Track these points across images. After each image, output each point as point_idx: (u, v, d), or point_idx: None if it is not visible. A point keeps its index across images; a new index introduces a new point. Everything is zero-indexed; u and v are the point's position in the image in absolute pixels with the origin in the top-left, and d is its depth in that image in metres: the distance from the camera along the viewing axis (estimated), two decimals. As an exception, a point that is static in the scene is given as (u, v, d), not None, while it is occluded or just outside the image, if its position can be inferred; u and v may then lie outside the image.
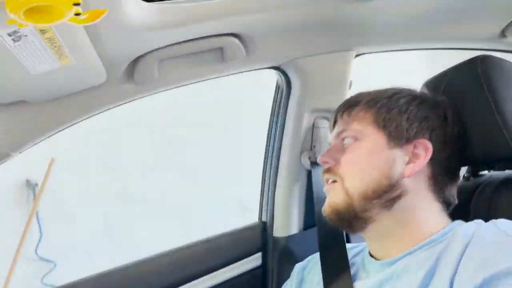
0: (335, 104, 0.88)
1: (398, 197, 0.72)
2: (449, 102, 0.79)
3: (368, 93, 0.80)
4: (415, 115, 0.75)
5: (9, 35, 0.56)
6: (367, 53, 1.17)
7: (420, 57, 3.07)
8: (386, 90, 0.79)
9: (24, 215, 2.79)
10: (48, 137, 0.92)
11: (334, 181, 0.76)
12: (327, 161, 0.76)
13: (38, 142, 0.92)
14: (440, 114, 0.76)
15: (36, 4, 0.48)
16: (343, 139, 0.77)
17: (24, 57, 0.63)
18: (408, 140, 0.73)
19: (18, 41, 0.58)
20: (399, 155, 0.73)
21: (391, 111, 0.75)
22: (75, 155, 2.88)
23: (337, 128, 0.80)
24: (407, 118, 0.74)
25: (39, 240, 2.89)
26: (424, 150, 0.73)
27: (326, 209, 0.77)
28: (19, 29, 0.55)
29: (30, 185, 2.89)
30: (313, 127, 1.13)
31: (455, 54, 1.13)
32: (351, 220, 0.73)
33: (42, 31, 0.58)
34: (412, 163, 0.72)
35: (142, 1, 0.73)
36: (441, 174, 0.75)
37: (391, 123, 0.74)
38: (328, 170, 0.77)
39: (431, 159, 0.73)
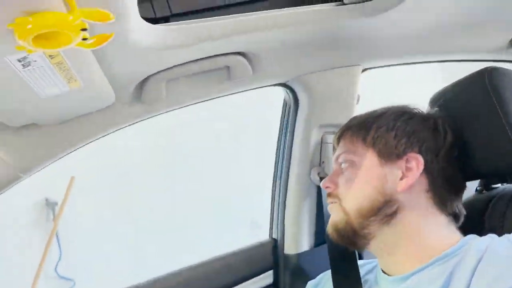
0: (343, 119, 0.89)
1: (395, 212, 0.73)
2: (444, 114, 0.80)
3: (359, 116, 0.83)
4: (403, 130, 0.76)
5: (19, 60, 0.57)
6: (374, 67, 1.17)
7: (433, 67, 3.05)
8: (375, 111, 0.81)
9: (44, 234, 2.82)
10: (59, 158, 0.93)
11: (335, 202, 0.78)
12: (328, 186, 0.80)
13: (49, 164, 0.93)
14: (430, 126, 0.77)
15: (45, 31, 0.50)
16: (340, 163, 0.80)
17: (33, 82, 0.64)
18: (398, 156, 0.74)
19: (27, 66, 0.59)
20: (391, 171, 0.74)
21: (379, 129, 0.77)
22: (89, 172, 2.91)
23: (335, 153, 0.83)
24: (395, 134, 0.76)
25: (59, 259, 2.92)
26: (416, 163, 0.73)
27: (328, 228, 0.80)
28: (28, 54, 0.57)
29: (50, 204, 2.92)
30: (322, 142, 1.12)
31: (469, 64, 1.13)
32: (352, 238, 0.75)
33: (51, 56, 0.59)
34: (405, 177, 0.73)
35: (149, 23, 0.74)
36: (439, 185, 0.74)
37: (380, 141, 0.76)
38: (329, 194, 0.80)
39: (426, 171, 0.73)
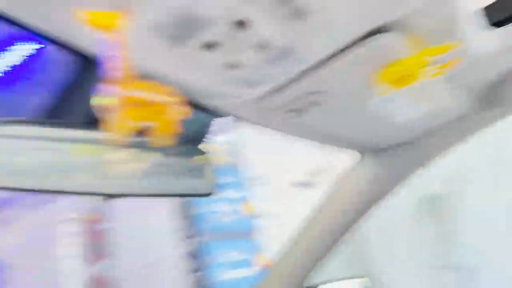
0: None
1: None
2: None
3: None
4: None
5: (381, 100, 0.71)
6: None
7: None
8: None
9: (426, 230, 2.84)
10: (422, 169, 1.04)
11: None
12: None
13: (417, 173, 1.05)
14: None
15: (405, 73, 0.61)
16: None
17: (393, 113, 0.77)
18: None
19: (389, 103, 0.72)
20: None
21: None
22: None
23: None
24: None
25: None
26: None
27: None
28: (385, 95, 0.69)
29: (431, 199, 2.82)
30: None
31: None
32: None
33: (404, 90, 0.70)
34: None
35: (489, 30, 0.74)
36: None
37: None
38: None
39: None
